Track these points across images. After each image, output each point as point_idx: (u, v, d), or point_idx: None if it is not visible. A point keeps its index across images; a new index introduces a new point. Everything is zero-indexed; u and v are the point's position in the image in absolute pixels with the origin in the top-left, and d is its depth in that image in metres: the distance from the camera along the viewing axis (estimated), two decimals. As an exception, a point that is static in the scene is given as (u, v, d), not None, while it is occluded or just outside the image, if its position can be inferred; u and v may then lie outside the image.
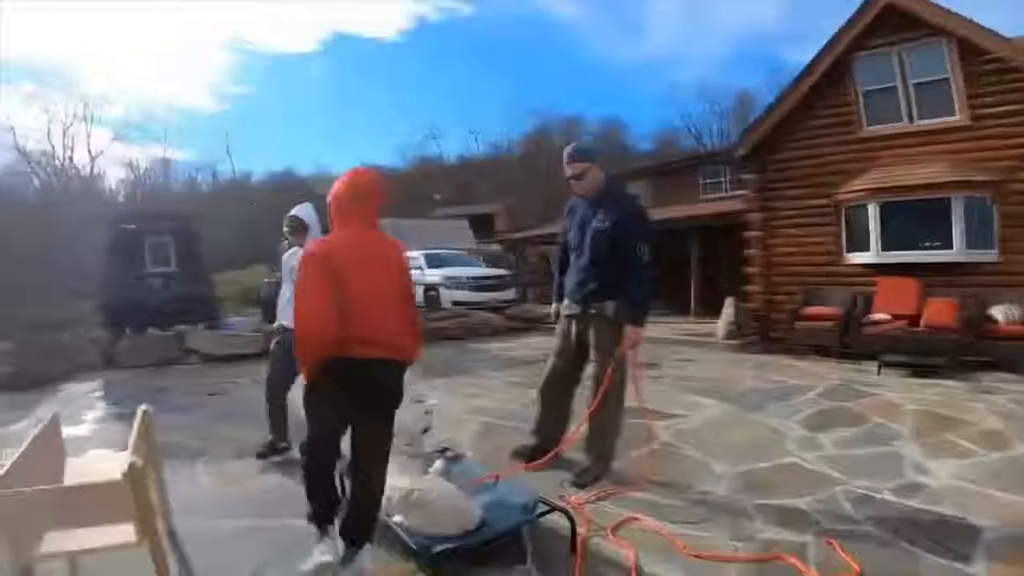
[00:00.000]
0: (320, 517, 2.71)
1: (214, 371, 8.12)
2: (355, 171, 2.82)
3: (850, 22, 8.67)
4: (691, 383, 6.66)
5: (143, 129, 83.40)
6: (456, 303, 13.84)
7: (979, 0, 8.11)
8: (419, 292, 14.98)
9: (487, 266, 16.65)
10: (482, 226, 28.93)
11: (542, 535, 2.99)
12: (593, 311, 3.82)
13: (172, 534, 3.12)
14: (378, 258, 2.68)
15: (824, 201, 8.97)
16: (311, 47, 79.58)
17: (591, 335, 3.87)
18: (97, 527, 2.30)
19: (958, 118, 7.90)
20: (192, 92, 75.71)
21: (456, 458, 3.60)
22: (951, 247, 7.88)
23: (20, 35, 61.64)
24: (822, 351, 8.21)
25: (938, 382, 6.42)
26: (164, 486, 3.26)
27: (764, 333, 9.41)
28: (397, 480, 2.89)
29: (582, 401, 4.04)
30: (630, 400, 3.98)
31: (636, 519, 3.19)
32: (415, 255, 16.07)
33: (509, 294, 14.67)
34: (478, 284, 14.37)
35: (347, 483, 2.92)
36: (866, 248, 8.58)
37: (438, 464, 3.38)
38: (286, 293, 4.34)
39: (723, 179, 15.43)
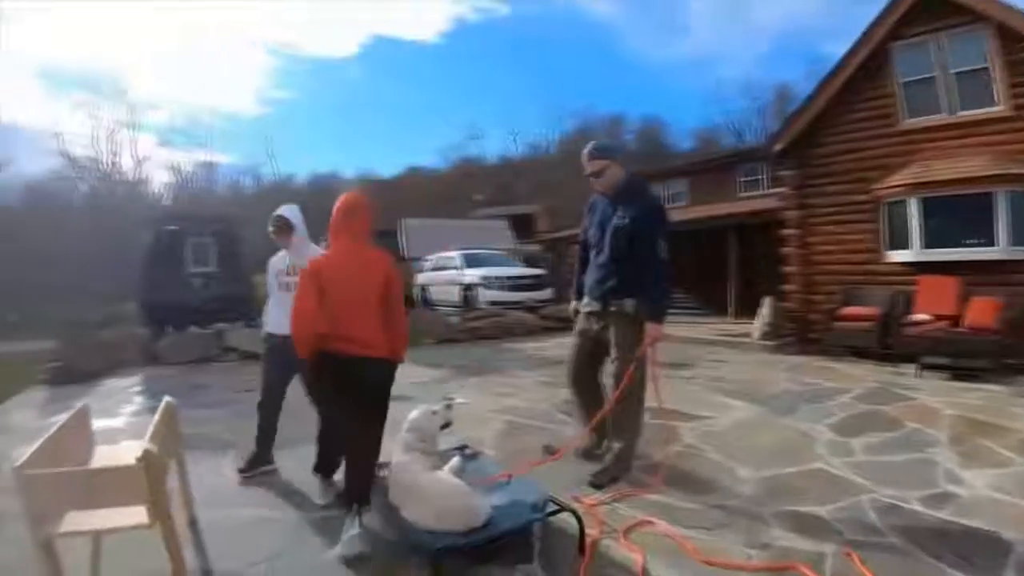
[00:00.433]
0: (325, 469, 3.61)
1: (251, 368, 8.24)
2: (346, 194, 3.30)
3: (887, 10, 8.33)
4: (722, 384, 6.50)
5: (187, 134, 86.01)
6: (492, 303, 13.82)
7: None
8: (456, 292, 15.05)
9: (524, 266, 16.59)
10: (522, 226, 28.91)
11: (553, 535, 2.95)
12: (613, 308, 3.78)
13: (193, 522, 3.24)
14: (359, 269, 3.09)
15: (863, 197, 8.62)
16: (351, 50, 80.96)
17: (611, 333, 3.81)
18: (113, 508, 2.44)
19: (1000, 108, 7.51)
20: (235, 97, 77.98)
21: (473, 456, 3.66)
22: (995, 244, 7.49)
23: (70, 44, 64.62)
24: (860, 353, 7.90)
25: (979, 386, 6.11)
26: (186, 475, 3.36)
27: (801, 334, 9.10)
28: (406, 475, 2.90)
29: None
30: (650, 400, 3.92)
31: (650, 522, 3.11)
32: (452, 255, 16.16)
33: (545, 294, 14.60)
34: (514, 284, 14.33)
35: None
36: (906, 246, 8.22)
37: (454, 461, 3.38)
38: (271, 299, 4.22)
39: (761, 176, 15.01)
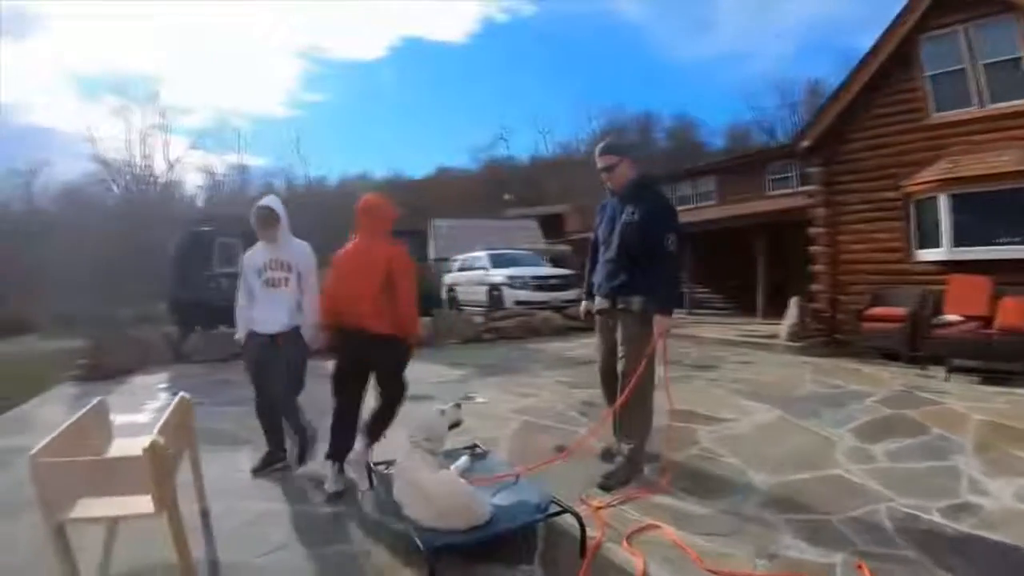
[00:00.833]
0: (337, 455, 3.71)
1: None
2: (366, 195, 3.87)
3: (913, 1, 8.03)
4: (745, 386, 6.36)
5: (218, 137, 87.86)
6: (519, 303, 13.78)
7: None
8: (483, 292, 15.04)
9: (551, 266, 16.52)
10: (552, 226, 28.85)
11: (556, 537, 2.91)
12: (621, 306, 3.74)
13: (205, 513, 3.32)
14: (367, 260, 3.62)
15: (892, 194, 8.35)
16: (380, 53, 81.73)
17: (619, 330, 3.79)
18: (122, 497, 2.53)
19: (1032, 100, 7.18)
20: (266, 100, 79.51)
21: (482, 455, 3.67)
22: (1028, 242, 7.16)
23: (103, 51, 66.49)
24: (889, 354, 7.65)
25: (1010, 390, 5.84)
26: (199, 468, 3.44)
27: (829, 335, 8.87)
28: (410, 473, 2.91)
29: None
30: (666, 401, 3.89)
31: (656, 527, 3.04)
32: (479, 255, 16.16)
33: (572, 294, 14.48)
34: (541, 284, 14.25)
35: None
36: (936, 244, 7.93)
37: (462, 460, 3.42)
38: (247, 298, 3.97)
39: (791, 174, 14.64)
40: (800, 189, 13.36)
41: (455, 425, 3.31)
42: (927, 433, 4.50)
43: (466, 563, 2.70)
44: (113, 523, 2.88)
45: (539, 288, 14.13)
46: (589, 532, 2.86)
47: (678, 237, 3.63)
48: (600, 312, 3.96)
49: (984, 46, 7.59)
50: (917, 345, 7.29)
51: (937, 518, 3.04)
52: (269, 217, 3.89)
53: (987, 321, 6.77)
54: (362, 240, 3.70)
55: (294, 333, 3.91)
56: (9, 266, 26.13)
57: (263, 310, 3.89)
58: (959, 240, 7.71)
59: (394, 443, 3.25)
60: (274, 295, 3.88)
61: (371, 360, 3.67)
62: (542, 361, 8.59)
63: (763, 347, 9.11)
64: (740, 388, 6.28)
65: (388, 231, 3.75)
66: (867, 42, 8.59)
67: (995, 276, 7.08)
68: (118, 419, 3.15)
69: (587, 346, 9.73)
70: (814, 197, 9.40)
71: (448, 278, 17.44)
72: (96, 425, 3.16)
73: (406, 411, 3.74)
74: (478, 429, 4.87)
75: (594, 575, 2.61)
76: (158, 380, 7.74)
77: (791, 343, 8.80)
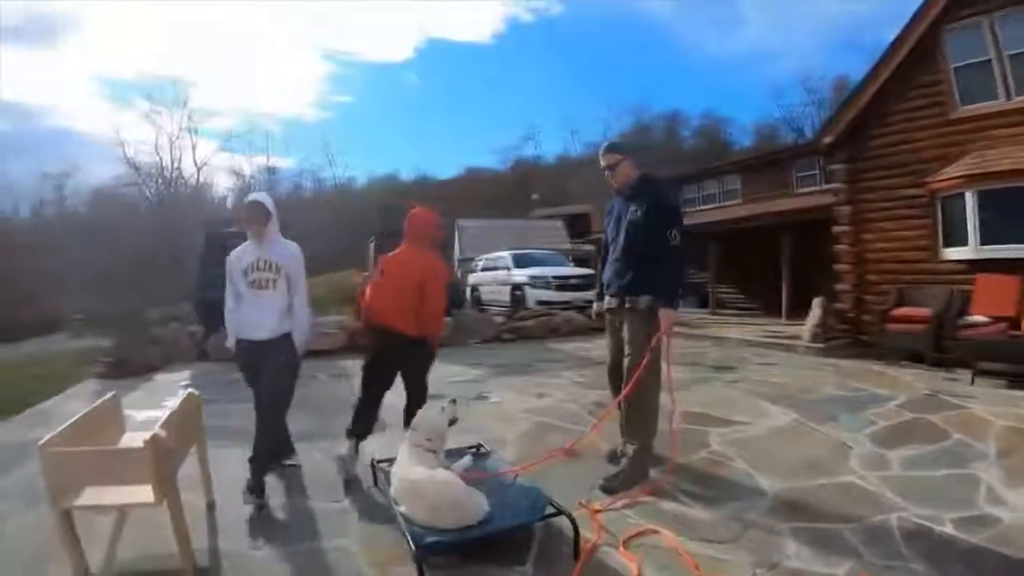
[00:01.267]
0: (358, 433, 3.92)
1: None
2: (416, 209, 4.15)
3: (936, -9, 7.71)
4: (763, 388, 6.18)
5: (247, 140, 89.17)
6: (541, 302, 13.70)
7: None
8: (506, 292, 14.98)
9: (574, 266, 16.39)
10: (578, 225, 28.66)
11: (554, 539, 2.86)
12: (628, 305, 3.72)
13: (212, 506, 3.42)
14: (407, 266, 3.89)
15: (917, 191, 8.04)
16: (407, 54, 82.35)
17: (625, 328, 3.75)
18: (124, 486, 2.66)
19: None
20: (295, 103, 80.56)
21: (485, 455, 3.66)
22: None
23: (133, 57, 68.07)
24: (913, 356, 7.37)
25: (1038, 395, 5.58)
26: (207, 462, 3.52)
27: (853, 336, 8.59)
28: (406, 471, 2.91)
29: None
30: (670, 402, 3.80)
31: (655, 532, 2.97)
32: (502, 255, 16.11)
33: (593, 294, 14.37)
34: (563, 284, 14.14)
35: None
36: (963, 242, 7.60)
37: (464, 459, 3.40)
38: (234, 300, 3.74)
39: (817, 172, 14.25)
40: (826, 187, 13.05)
41: (452, 423, 3.33)
42: (947, 439, 4.30)
43: (460, 562, 2.69)
44: (122, 513, 3.04)
45: (561, 288, 14.02)
46: (587, 535, 2.81)
47: (681, 232, 3.62)
48: (609, 311, 3.95)
49: (1010, 37, 7.26)
50: (942, 347, 7.01)
51: (950, 529, 2.90)
52: (258, 212, 3.61)
53: (1015, 322, 6.47)
54: (405, 248, 4.03)
55: (283, 340, 3.62)
56: (41, 267, 26.97)
57: (250, 314, 3.61)
58: (986, 238, 7.39)
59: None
60: (261, 298, 3.60)
61: (397, 359, 3.94)
62: (560, 361, 8.50)
63: (785, 348, 8.87)
64: (757, 390, 6.11)
65: (430, 240, 4.09)
66: (893, 36, 8.29)
67: (1024, 276, 6.79)
68: (138, 415, 3.21)
69: (605, 346, 9.63)
70: (838, 195, 9.13)
71: (472, 278, 17.43)
72: (108, 419, 3.28)
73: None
74: (488, 429, 4.90)
75: (585, 578, 2.55)
76: (180, 377, 7.86)
77: (814, 344, 8.54)
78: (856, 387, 6.12)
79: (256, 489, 3.39)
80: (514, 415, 5.38)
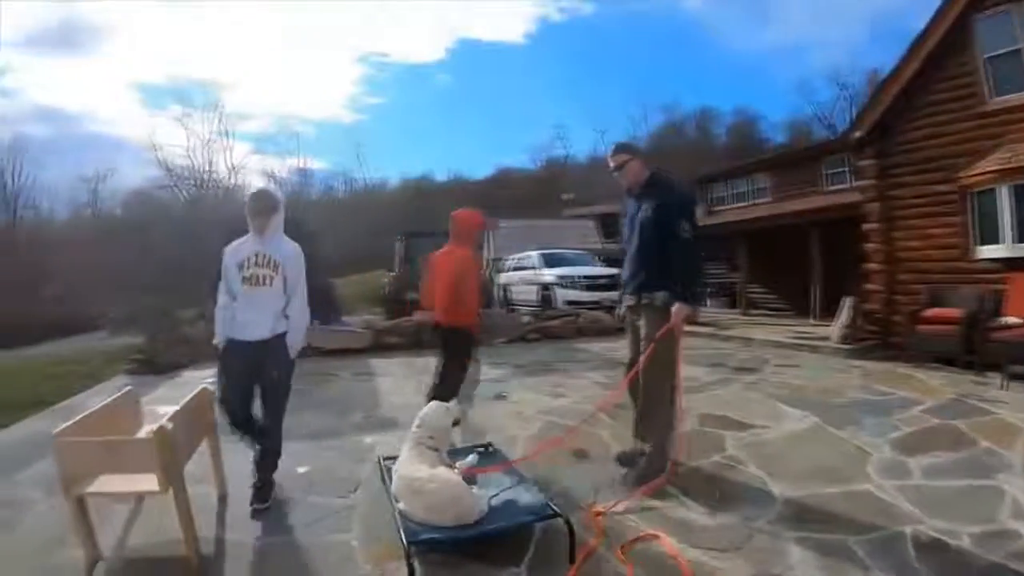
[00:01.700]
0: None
1: (321, 364, 8.49)
2: (459, 209, 4.62)
3: (964, -21, 7.30)
4: (785, 391, 5.97)
5: (280, 142, 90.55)
6: (569, 302, 13.56)
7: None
8: (535, 292, 14.88)
9: (604, 265, 16.18)
10: (610, 225, 28.35)
11: (552, 542, 2.79)
12: (645, 302, 3.65)
13: (224, 497, 3.52)
14: (443, 262, 4.40)
15: (948, 187, 7.63)
16: (439, 55, 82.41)
17: (642, 325, 3.68)
18: (132, 475, 2.79)
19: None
20: (327, 105, 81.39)
21: (492, 454, 3.63)
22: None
23: (166, 61, 69.88)
24: (944, 359, 7.00)
25: (1073, 402, 5.23)
26: (220, 455, 3.59)
27: (883, 337, 8.21)
28: (405, 468, 2.91)
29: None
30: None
31: (655, 537, 2.86)
32: (531, 255, 16.00)
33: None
34: (591, 283, 13.97)
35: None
36: (997, 240, 7.20)
37: (469, 458, 3.35)
38: (227, 298, 3.47)
39: (846, 169, 13.71)
40: (856, 184, 12.57)
41: (455, 423, 3.31)
42: (973, 447, 4.06)
43: (458, 560, 2.68)
44: (137, 502, 3.21)
45: (589, 288, 13.87)
46: (587, 539, 2.77)
47: (693, 225, 3.56)
48: (628, 309, 3.88)
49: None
50: (974, 349, 6.65)
51: (967, 544, 2.70)
52: (266, 203, 3.40)
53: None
54: (449, 245, 4.48)
55: (279, 342, 3.39)
56: (79, 267, 27.88)
57: (244, 312, 3.33)
58: (1021, 236, 6.99)
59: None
60: (257, 295, 3.33)
61: (442, 346, 4.46)
62: (583, 361, 8.38)
63: (813, 350, 8.56)
64: (779, 393, 5.91)
65: (471, 237, 4.53)
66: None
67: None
68: (161, 409, 3.28)
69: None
70: (867, 191, 8.75)
71: (502, 278, 17.35)
72: (126, 412, 3.41)
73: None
74: (502, 428, 4.88)
75: (579, 583, 2.48)
76: (205, 375, 7.93)
77: (842, 346, 8.22)
78: (881, 390, 5.86)
79: (265, 492, 3.38)
80: (529, 415, 5.32)
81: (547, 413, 5.38)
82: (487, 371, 7.67)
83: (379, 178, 54.70)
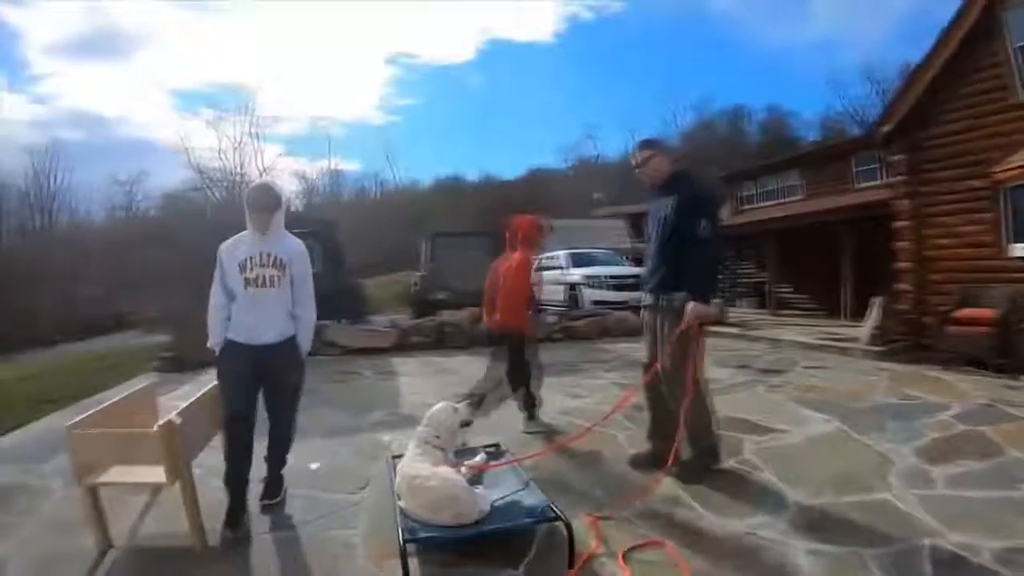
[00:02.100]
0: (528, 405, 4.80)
1: (347, 362, 8.56)
2: (517, 215, 4.86)
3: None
4: (810, 394, 5.76)
5: (310, 143, 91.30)
6: (595, 302, 13.43)
7: None
8: (561, 291, 14.75)
9: (633, 265, 15.97)
10: (642, 224, 28.03)
11: (554, 545, 2.72)
12: (663, 303, 3.55)
13: None
14: (507, 266, 4.68)
15: (980, 182, 7.29)
16: (469, 55, 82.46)
17: (659, 326, 3.60)
18: (140, 467, 2.87)
19: None
20: (358, 106, 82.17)
21: (500, 455, 3.57)
22: None
23: (198, 66, 71.43)
24: (975, 362, 6.66)
25: (1109, 407, 4.90)
26: None
27: (914, 339, 7.85)
28: (408, 466, 2.89)
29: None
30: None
31: (659, 544, 2.76)
32: (558, 255, 15.88)
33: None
34: (618, 283, 13.79)
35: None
36: (1030, 237, 6.86)
37: (477, 458, 3.34)
38: (223, 299, 3.19)
39: (878, 165, 13.21)
40: (888, 181, 12.11)
41: (466, 424, 3.26)
42: (1001, 455, 3.83)
43: (455, 560, 2.65)
44: (153, 493, 3.29)
45: (616, 288, 13.69)
46: (590, 543, 2.72)
47: (714, 224, 3.46)
48: (647, 309, 3.78)
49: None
50: (1007, 352, 6.32)
51: (988, 561, 2.52)
52: (269, 198, 3.15)
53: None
54: (508, 251, 4.73)
55: (289, 345, 3.21)
56: (114, 268, 28.64)
57: (247, 315, 3.09)
58: (1057, 233, 6.63)
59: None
60: (262, 297, 3.09)
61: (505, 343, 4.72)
62: (605, 362, 8.26)
63: (841, 352, 8.25)
64: (803, 396, 5.70)
65: (527, 242, 4.71)
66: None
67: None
68: (179, 404, 3.30)
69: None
70: (896, 188, 8.41)
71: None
72: (142, 406, 3.48)
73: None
74: (515, 427, 4.80)
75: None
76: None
77: (871, 347, 7.88)
78: (909, 394, 5.61)
79: (274, 488, 3.37)
80: (546, 415, 5.16)
81: (563, 414, 5.29)
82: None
83: (411, 179, 54.90)
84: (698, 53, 74.13)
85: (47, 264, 29.10)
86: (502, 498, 2.92)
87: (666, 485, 3.44)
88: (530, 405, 4.79)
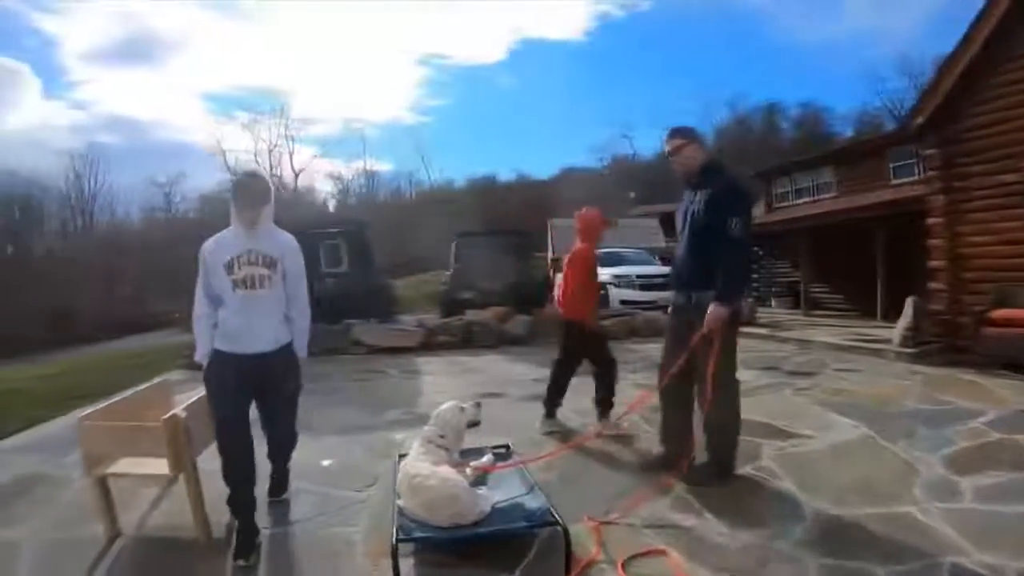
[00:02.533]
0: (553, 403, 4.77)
1: (373, 361, 8.60)
2: (583, 209, 4.79)
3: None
4: (838, 398, 5.49)
5: (344, 144, 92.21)
6: (624, 302, 13.19)
7: None
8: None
9: (662, 264, 15.67)
10: (674, 224, 27.56)
11: (553, 550, 2.62)
12: (694, 302, 3.38)
13: None
14: (573, 258, 4.64)
15: (1016, 176, 6.86)
16: (500, 55, 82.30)
17: (683, 327, 3.45)
18: (147, 459, 2.94)
19: None
20: (391, 108, 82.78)
21: (506, 455, 3.52)
22: None
23: (236, 71, 72.71)
24: (1013, 365, 6.27)
25: None
26: None
27: (948, 340, 7.45)
28: (409, 464, 2.86)
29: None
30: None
31: (662, 552, 2.65)
32: (589, 253, 15.66)
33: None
34: (647, 282, 13.51)
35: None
36: (1068, 234, 6.37)
37: (485, 459, 3.29)
38: (208, 303, 2.89)
39: (914, 161, 12.56)
40: (924, 176, 11.55)
41: (473, 424, 3.23)
42: (1036, 467, 3.57)
43: (452, 560, 2.62)
44: (166, 486, 3.30)
45: (644, 287, 13.44)
46: (592, 549, 2.66)
47: (744, 223, 3.25)
48: (675, 308, 3.62)
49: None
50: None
51: (1014, 583, 2.33)
52: (261, 190, 2.83)
53: None
54: (577, 244, 4.69)
55: (285, 353, 2.91)
56: (152, 268, 29.36)
57: (237, 320, 2.76)
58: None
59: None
60: (253, 300, 2.77)
61: (562, 338, 4.77)
62: (629, 363, 8.04)
63: (873, 353, 7.89)
64: (831, 400, 5.44)
65: (589, 235, 4.68)
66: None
67: None
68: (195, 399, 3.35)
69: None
70: (931, 183, 7.97)
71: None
72: (156, 400, 3.52)
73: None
74: (529, 428, 4.74)
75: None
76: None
77: (904, 349, 7.49)
78: (942, 399, 5.30)
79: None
80: (562, 416, 5.03)
81: (581, 415, 5.12)
82: (533, 371, 7.55)
83: (445, 179, 55.11)
84: (731, 49, 72.67)
85: (86, 264, 30.04)
86: (504, 501, 2.85)
87: (678, 491, 3.32)
88: (552, 403, 4.77)
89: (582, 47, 70.85)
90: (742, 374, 3.65)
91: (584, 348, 4.65)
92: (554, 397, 4.77)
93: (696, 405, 3.58)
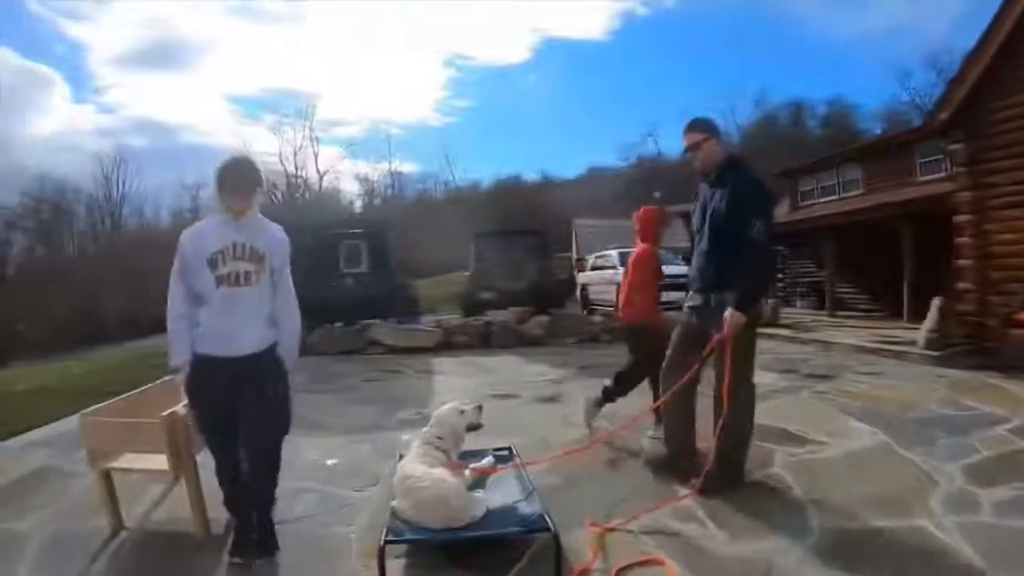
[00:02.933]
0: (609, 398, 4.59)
1: (390, 361, 8.59)
2: (643, 207, 4.64)
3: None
4: (857, 403, 5.26)
5: (370, 146, 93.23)
6: (643, 301, 12.94)
7: None
8: (612, 291, 14.36)
9: (684, 265, 15.39)
10: (696, 221, 27.12)
11: (549, 554, 2.51)
12: (714, 304, 3.24)
13: None
14: (637, 260, 4.44)
15: None
16: (524, 55, 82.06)
17: (700, 329, 3.33)
18: (147, 454, 2.95)
19: None
20: (418, 108, 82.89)
21: (507, 457, 3.45)
22: None
23: (262, 74, 73.45)
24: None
25: None
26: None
27: (975, 342, 7.13)
28: (406, 466, 2.82)
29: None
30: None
31: (659, 562, 2.53)
32: (609, 253, 15.52)
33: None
34: (671, 283, 13.23)
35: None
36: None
37: (486, 461, 3.27)
38: (185, 302, 2.62)
39: (942, 156, 11.99)
40: (951, 172, 11.07)
41: (474, 428, 3.17)
42: (1063, 479, 3.34)
43: (442, 563, 2.58)
44: (172, 482, 3.18)
45: (667, 288, 13.18)
46: (587, 555, 2.58)
47: (768, 224, 3.12)
48: (692, 309, 3.46)
49: None
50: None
51: (1032, 606, 2.17)
52: (251, 176, 2.60)
53: None
54: (638, 241, 4.54)
55: (271, 356, 2.62)
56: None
57: (220, 320, 2.50)
58: None
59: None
60: (237, 297, 2.51)
61: (627, 341, 4.62)
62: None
63: (897, 355, 7.58)
64: (850, 404, 5.22)
65: (649, 234, 4.47)
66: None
67: None
68: None
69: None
70: (957, 179, 7.65)
71: (581, 278, 16.92)
72: (163, 398, 3.46)
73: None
74: (536, 430, 4.69)
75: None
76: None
77: (929, 352, 7.18)
78: (966, 404, 5.05)
79: (250, 544, 2.60)
80: (573, 418, 4.98)
81: (596, 417, 5.06)
82: (549, 371, 7.47)
83: (471, 179, 55.11)
84: (756, 46, 71.31)
85: (116, 265, 30.59)
86: (500, 504, 2.79)
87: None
88: (607, 400, 4.61)
89: (606, 46, 70.48)
90: (760, 376, 3.53)
91: (638, 343, 4.44)
92: (611, 395, 4.59)
93: (711, 407, 3.44)
